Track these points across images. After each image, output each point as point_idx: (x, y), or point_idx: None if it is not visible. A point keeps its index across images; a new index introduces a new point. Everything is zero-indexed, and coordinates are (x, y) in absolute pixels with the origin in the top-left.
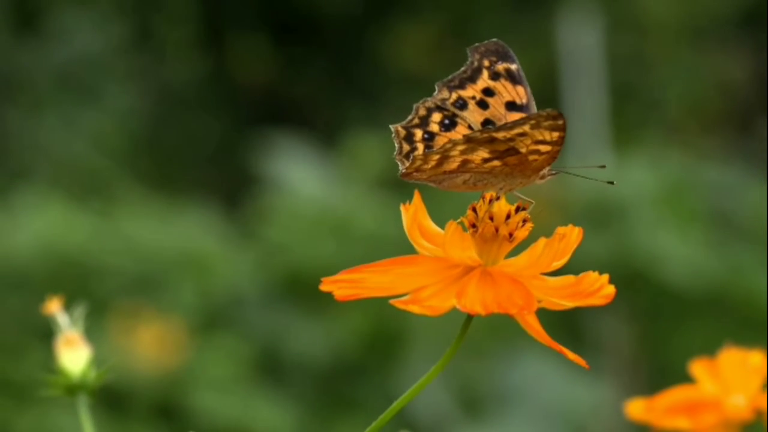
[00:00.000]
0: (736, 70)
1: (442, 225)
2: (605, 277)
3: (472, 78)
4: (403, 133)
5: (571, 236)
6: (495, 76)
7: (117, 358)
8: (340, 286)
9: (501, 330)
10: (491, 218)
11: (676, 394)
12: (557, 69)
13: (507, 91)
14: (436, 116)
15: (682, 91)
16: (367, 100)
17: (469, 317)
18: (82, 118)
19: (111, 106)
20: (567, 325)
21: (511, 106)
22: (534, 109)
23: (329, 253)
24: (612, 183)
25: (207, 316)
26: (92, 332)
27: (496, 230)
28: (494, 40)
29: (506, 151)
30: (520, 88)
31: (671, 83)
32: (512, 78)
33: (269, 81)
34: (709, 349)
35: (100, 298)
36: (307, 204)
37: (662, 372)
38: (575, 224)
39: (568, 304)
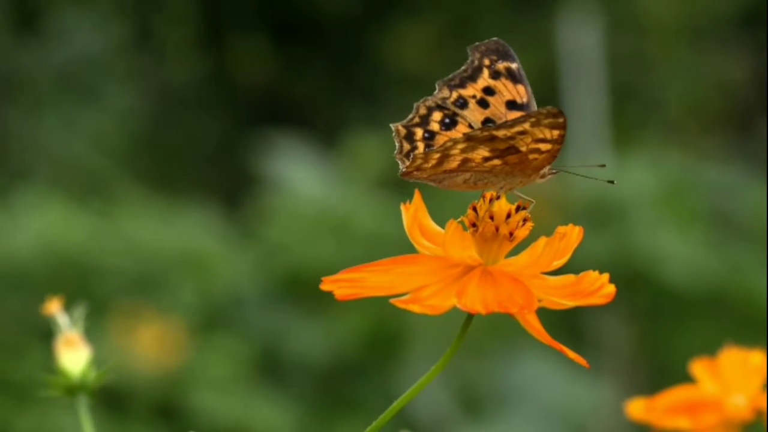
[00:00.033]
0: (736, 70)
1: (442, 224)
2: (605, 276)
3: (473, 77)
4: (403, 132)
5: (571, 236)
6: (495, 74)
7: (117, 358)
8: (341, 285)
9: (501, 330)
10: (491, 217)
11: (676, 394)
12: (557, 69)
13: (507, 90)
14: (437, 115)
15: (682, 91)
16: (367, 100)
17: (470, 316)
18: (82, 118)
19: (111, 106)
20: (567, 324)
21: (511, 105)
22: (534, 108)
23: (329, 253)
24: (612, 182)
25: (207, 316)
26: (92, 332)
27: (497, 229)
28: (495, 38)
29: (506, 150)
30: (520, 87)
31: (671, 83)
32: (513, 77)
33: (269, 81)
34: (709, 349)
35: (100, 298)
36: (307, 204)
37: (662, 372)
38: (575, 224)
39: (569, 303)
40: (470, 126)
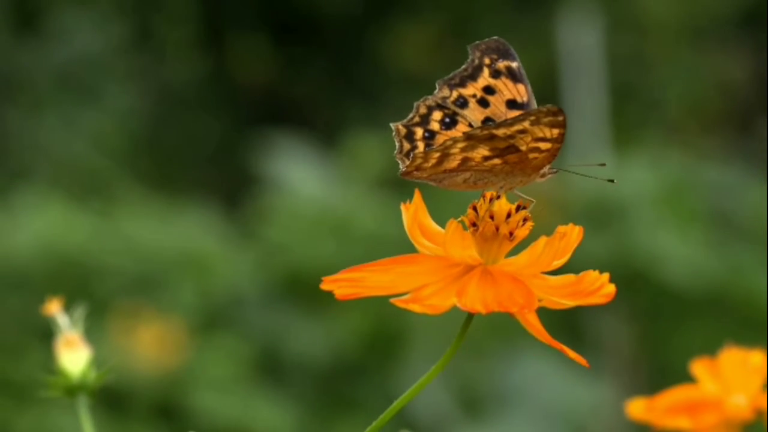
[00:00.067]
0: (736, 70)
1: (442, 224)
2: (605, 276)
3: (473, 76)
4: (403, 131)
5: (571, 235)
6: (496, 74)
7: (117, 358)
8: (341, 285)
9: (501, 329)
10: (492, 217)
11: (676, 394)
12: (557, 69)
13: (508, 89)
14: (437, 114)
15: (682, 91)
16: (367, 100)
17: (470, 316)
18: (82, 118)
19: (111, 106)
20: (567, 324)
21: (511, 104)
22: (534, 107)
23: (329, 253)
24: (612, 181)
25: (207, 316)
26: (92, 332)
27: (497, 229)
28: (495, 37)
29: (506, 149)
30: (520, 86)
31: (671, 83)
32: (513, 76)
33: (269, 81)
34: (710, 349)
35: (100, 298)
36: (307, 204)
37: (662, 372)
38: (575, 223)
39: (569, 302)
40: (470, 125)
